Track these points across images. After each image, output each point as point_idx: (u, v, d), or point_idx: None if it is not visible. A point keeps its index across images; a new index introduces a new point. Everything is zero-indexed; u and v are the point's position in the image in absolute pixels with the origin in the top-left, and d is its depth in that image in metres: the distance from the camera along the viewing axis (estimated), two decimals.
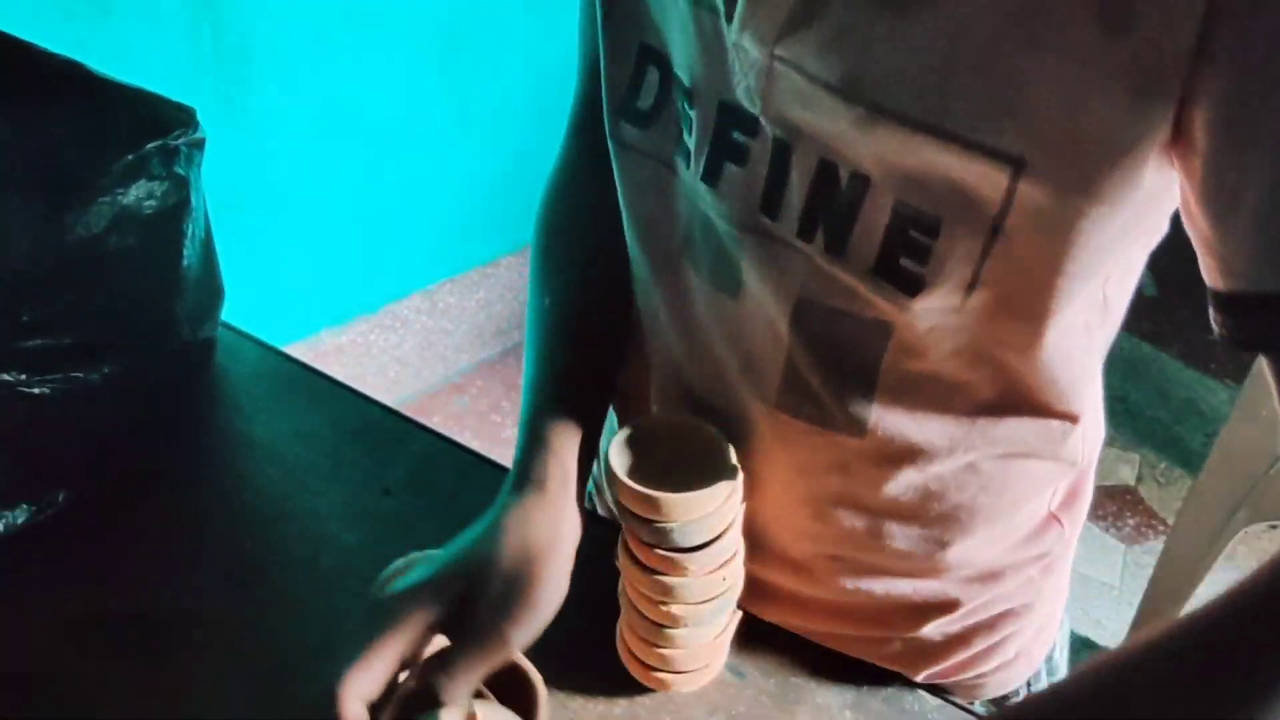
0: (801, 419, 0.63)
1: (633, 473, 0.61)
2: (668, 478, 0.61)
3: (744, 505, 0.65)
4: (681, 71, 0.60)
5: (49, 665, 0.69)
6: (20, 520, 0.75)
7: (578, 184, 0.78)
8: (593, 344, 0.72)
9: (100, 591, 0.74)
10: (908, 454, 0.62)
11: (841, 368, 0.60)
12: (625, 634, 0.69)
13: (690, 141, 0.60)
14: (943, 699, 0.73)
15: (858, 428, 0.61)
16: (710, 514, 0.61)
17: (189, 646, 0.71)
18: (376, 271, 2.25)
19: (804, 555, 0.70)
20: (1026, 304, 0.55)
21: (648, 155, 0.65)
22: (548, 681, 0.68)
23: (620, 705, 0.70)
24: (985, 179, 0.49)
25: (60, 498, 0.77)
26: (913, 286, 0.54)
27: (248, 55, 1.79)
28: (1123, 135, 0.47)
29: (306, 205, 2.02)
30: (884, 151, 0.51)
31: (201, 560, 0.77)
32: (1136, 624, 1.83)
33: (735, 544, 0.64)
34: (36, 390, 0.71)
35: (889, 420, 0.61)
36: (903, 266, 0.54)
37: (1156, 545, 1.80)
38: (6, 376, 0.70)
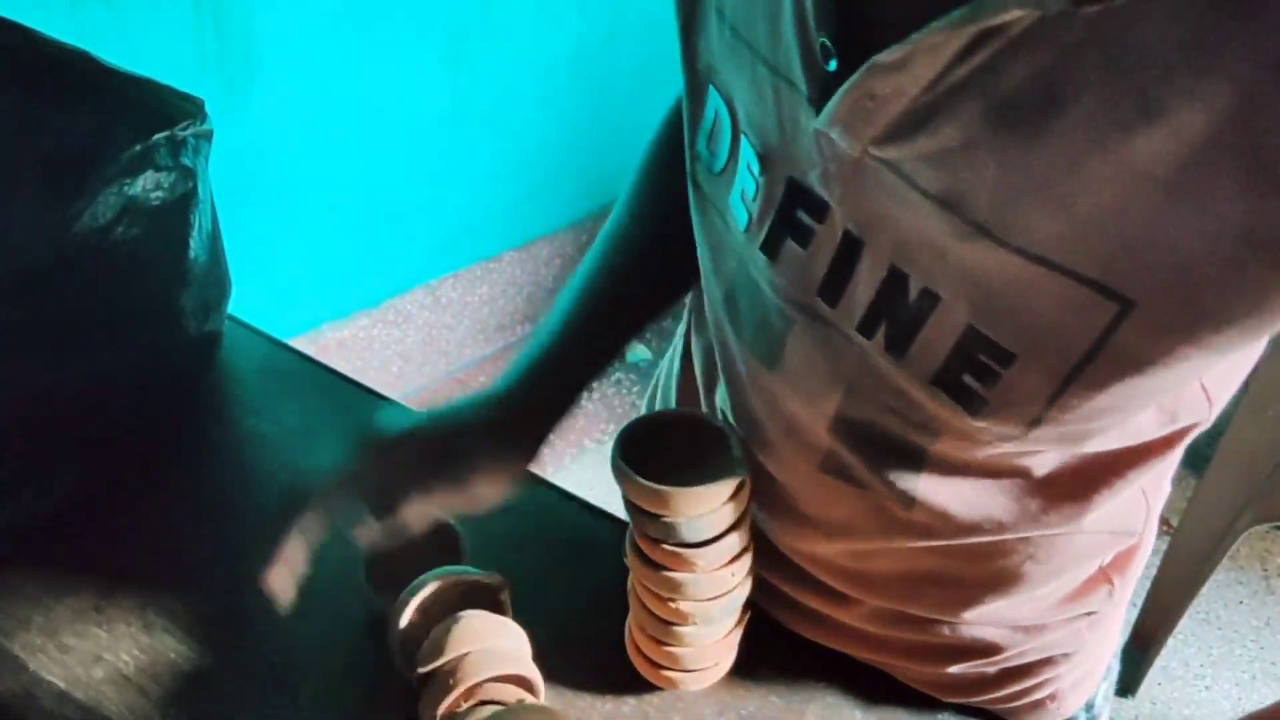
0: (848, 484, 0.61)
1: (640, 468, 0.61)
2: (675, 473, 0.60)
3: (752, 501, 0.64)
4: (749, 132, 0.56)
5: (49, 660, 0.69)
6: (27, 511, 0.75)
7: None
8: (654, 285, 0.75)
9: (105, 583, 0.73)
10: (955, 529, 0.60)
11: (888, 451, 0.58)
12: (634, 632, 0.69)
13: (752, 205, 0.57)
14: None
15: (904, 501, 0.60)
16: (717, 509, 0.60)
17: (192, 637, 0.71)
18: (378, 266, 2.24)
19: (843, 591, 0.70)
20: (1098, 430, 0.51)
21: (710, 201, 0.63)
22: (557, 680, 0.68)
23: (629, 704, 0.70)
24: (1083, 315, 0.44)
25: (67, 489, 0.77)
26: (974, 405, 0.50)
27: (252, 48, 1.78)
28: (1261, 303, 0.42)
29: (308, 199, 2.01)
30: (973, 270, 0.46)
31: (206, 553, 0.76)
32: (1139, 623, 1.83)
33: (744, 540, 0.64)
34: (43, 382, 0.71)
35: (938, 499, 0.59)
36: (966, 384, 0.50)
37: (1161, 545, 1.80)
38: (13, 368, 0.69)
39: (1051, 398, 0.48)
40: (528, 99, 2.30)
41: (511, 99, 2.27)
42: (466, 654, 0.62)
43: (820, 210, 0.52)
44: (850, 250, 0.51)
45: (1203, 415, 0.54)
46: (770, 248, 0.56)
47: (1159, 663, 1.90)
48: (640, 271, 0.75)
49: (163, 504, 0.80)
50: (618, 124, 2.42)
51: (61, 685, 0.67)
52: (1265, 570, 2.22)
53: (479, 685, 0.62)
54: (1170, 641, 1.87)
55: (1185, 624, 1.88)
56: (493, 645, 0.64)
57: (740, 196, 0.58)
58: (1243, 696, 1.96)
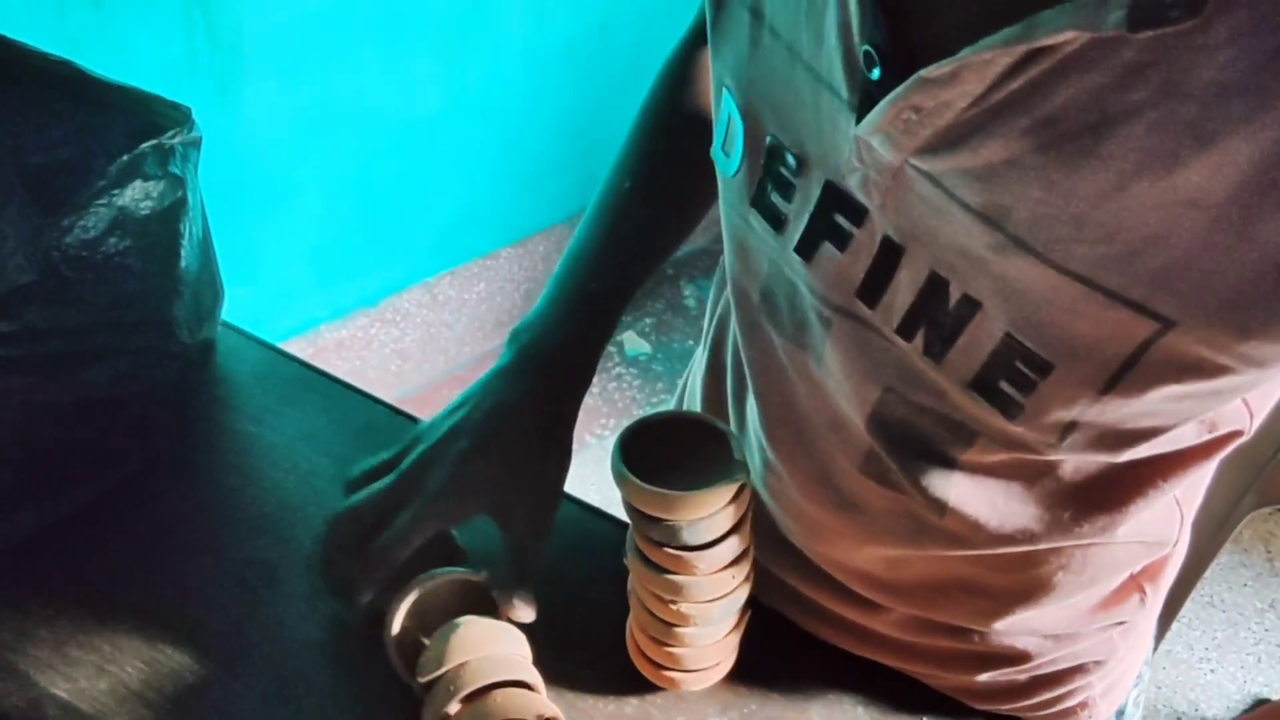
0: (885, 486, 0.61)
1: (640, 470, 0.60)
2: (676, 474, 0.60)
3: (752, 502, 0.64)
4: (784, 136, 0.55)
5: (54, 673, 0.68)
6: (27, 527, 0.74)
7: (690, 85, 0.78)
8: (660, 241, 0.77)
9: (107, 594, 0.73)
10: (988, 538, 0.60)
11: (923, 454, 0.58)
12: (635, 633, 0.69)
13: (785, 206, 0.57)
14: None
15: (937, 508, 0.60)
16: (718, 511, 0.60)
17: (195, 647, 0.71)
18: (375, 265, 2.24)
19: (869, 597, 0.70)
20: (1134, 439, 0.51)
21: (730, 203, 0.63)
22: (558, 681, 0.68)
23: (631, 704, 0.69)
24: (1122, 331, 0.44)
25: (66, 504, 0.76)
26: (1010, 411, 0.50)
27: (243, 48, 1.78)
28: None
29: (303, 200, 2.01)
30: (1011, 283, 0.46)
31: (208, 562, 0.76)
32: None
33: (744, 541, 0.63)
34: (39, 397, 0.70)
35: (970, 506, 0.59)
36: (1002, 389, 0.50)
37: None
38: (8, 384, 0.69)
39: (1087, 407, 0.48)
40: (520, 94, 2.29)
41: (504, 94, 2.27)
42: (465, 662, 0.62)
43: (859, 215, 0.52)
44: (890, 256, 0.51)
45: (1243, 424, 0.54)
46: (806, 250, 0.55)
47: (1164, 646, 1.91)
48: (650, 191, 0.78)
49: (163, 515, 0.79)
50: (611, 118, 2.42)
51: (67, 698, 0.67)
52: (1269, 553, 2.22)
53: (480, 692, 0.62)
54: (1175, 625, 1.87)
55: (1190, 607, 1.88)
56: (492, 652, 0.64)
57: (769, 200, 0.57)
58: (1248, 679, 1.97)
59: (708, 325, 0.81)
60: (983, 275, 0.47)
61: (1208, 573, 1.75)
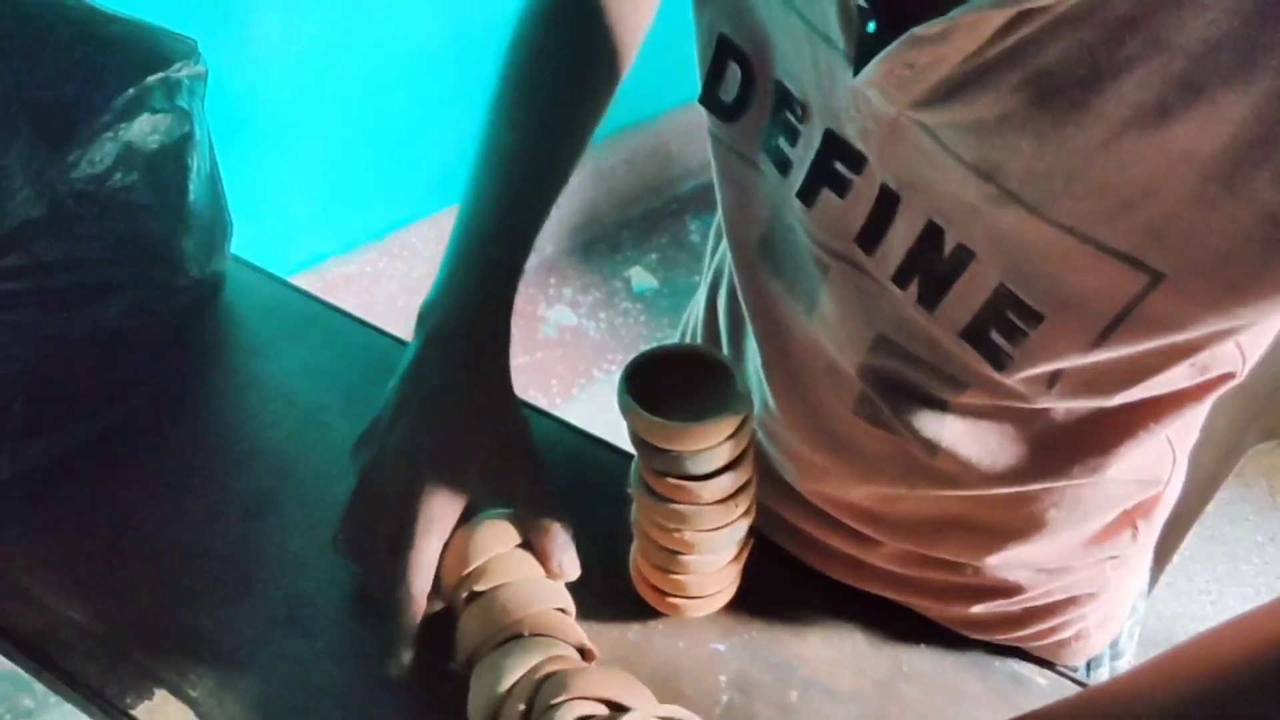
0: (878, 427, 0.62)
1: (646, 402, 0.61)
2: (680, 406, 0.61)
3: (756, 433, 0.65)
4: (789, 81, 0.55)
5: (68, 597, 0.70)
6: (39, 456, 0.76)
7: (551, 27, 0.77)
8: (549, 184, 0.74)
9: (117, 522, 0.75)
10: (980, 478, 0.61)
11: (915, 398, 0.59)
12: (639, 561, 0.70)
13: (790, 151, 0.57)
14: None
15: (930, 449, 0.60)
16: (722, 442, 0.61)
17: (204, 573, 0.72)
18: (383, 199, 2.23)
19: (864, 532, 0.71)
20: (1124, 383, 0.52)
21: (729, 149, 0.62)
22: None
23: (635, 630, 0.71)
24: (1113, 284, 0.45)
25: (77, 434, 0.78)
26: (999, 360, 0.51)
27: None
28: None
29: (311, 135, 2.00)
30: (1005, 234, 0.47)
31: (216, 495, 0.77)
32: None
33: (747, 472, 0.64)
34: (49, 331, 0.71)
35: (962, 447, 0.60)
36: (993, 340, 0.51)
37: None
38: (19, 318, 0.70)
39: (1077, 357, 0.49)
40: None
41: (510, 25, 2.24)
42: (511, 583, 0.64)
43: (858, 163, 0.52)
44: (887, 204, 0.52)
45: (1235, 367, 0.54)
46: (807, 195, 0.56)
47: (1165, 579, 1.93)
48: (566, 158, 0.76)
49: (172, 447, 0.80)
50: None
51: (81, 621, 0.69)
52: (1271, 487, 2.24)
53: (525, 617, 0.62)
54: (1176, 558, 1.89)
55: (1191, 541, 1.89)
56: (536, 575, 0.65)
57: (776, 143, 0.57)
58: None
59: (708, 265, 0.81)
60: (977, 226, 0.48)
61: (1209, 507, 1.76)
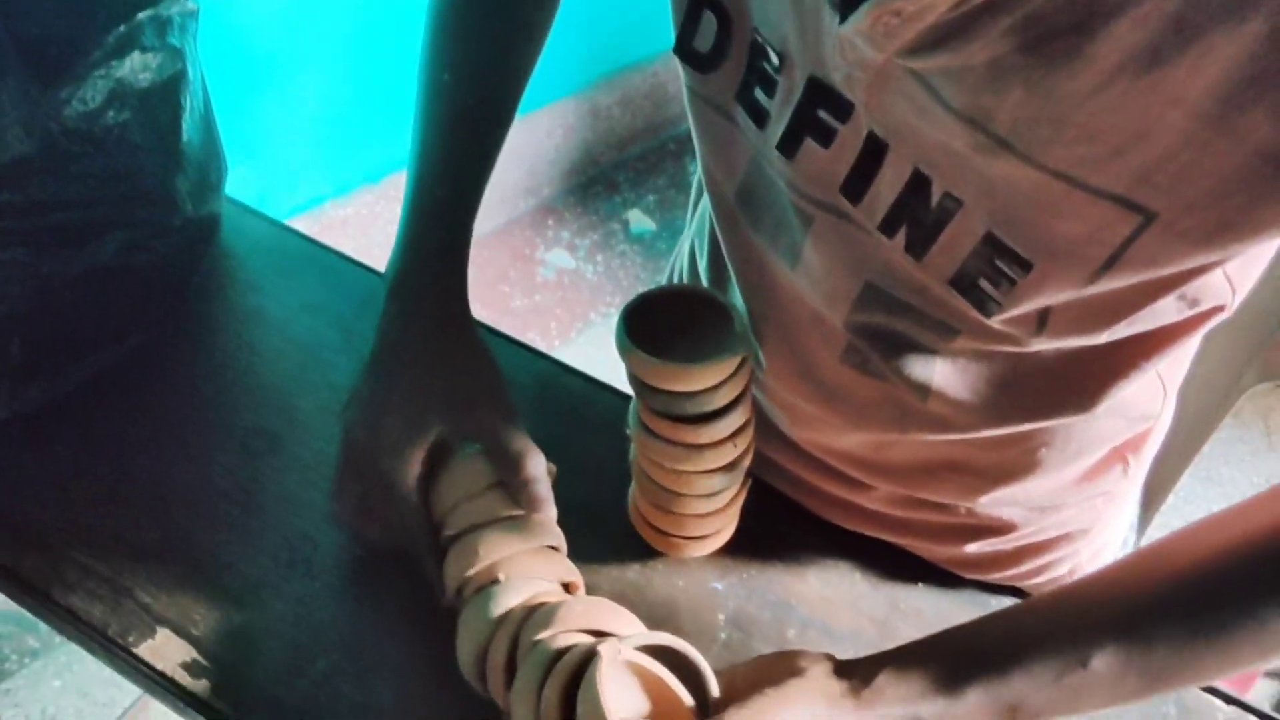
0: (867, 375, 0.62)
1: (644, 343, 0.61)
2: (679, 347, 0.61)
3: (754, 375, 0.65)
4: (766, 30, 0.54)
5: (70, 537, 0.70)
6: (38, 400, 0.76)
7: None
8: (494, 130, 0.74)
9: (120, 466, 0.75)
10: (971, 421, 0.61)
11: (904, 346, 0.59)
12: (638, 501, 0.70)
13: (767, 103, 0.56)
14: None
15: (920, 393, 0.60)
16: (721, 383, 0.61)
17: (206, 511, 0.73)
18: (378, 141, 2.21)
19: (856, 477, 0.71)
20: (1112, 319, 0.52)
21: (705, 100, 0.61)
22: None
23: (634, 569, 0.71)
24: (1104, 227, 0.45)
25: (74, 374, 0.77)
26: (987, 307, 0.51)
27: None
28: None
29: (306, 76, 1.98)
30: (994, 182, 0.47)
31: (216, 432, 0.78)
32: (1143, 489, 1.85)
33: (746, 413, 0.65)
34: (44, 269, 0.71)
35: (952, 390, 0.60)
36: (981, 287, 0.51)
37: None
38: (14, 257, 0.69)
39: (1066, 301, 0.49)
40: None
41: None
42: (483, 526, 0.63)
43: (844, 111, 0.51)
44: (874, 152, 0.51)
45: (1225, 300, 0.54)
46: (788, 146, 0.55)
47: (1159, 520, 1.94)
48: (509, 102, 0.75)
49: (170, 386, 0.81)
50: None
51: (85, 560, 0.69)
52: (1267, 427, 2.25)
53: (500, 561, 0.62)
54: (1171, 499, 1.90)
55: (1186, 481, 1.90)
56: (512, 514, 0.65)
57: (752, 95, 0.57)
58: None
59: (690, 216, 0.81)
60: (965, 174, 0.47)
61: (1205, 448, 1.77)
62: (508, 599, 0.60)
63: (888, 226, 0.52)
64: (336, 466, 0.68)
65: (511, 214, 2.61)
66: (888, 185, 0.51)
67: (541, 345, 2.18)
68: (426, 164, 0.71)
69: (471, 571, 0.62)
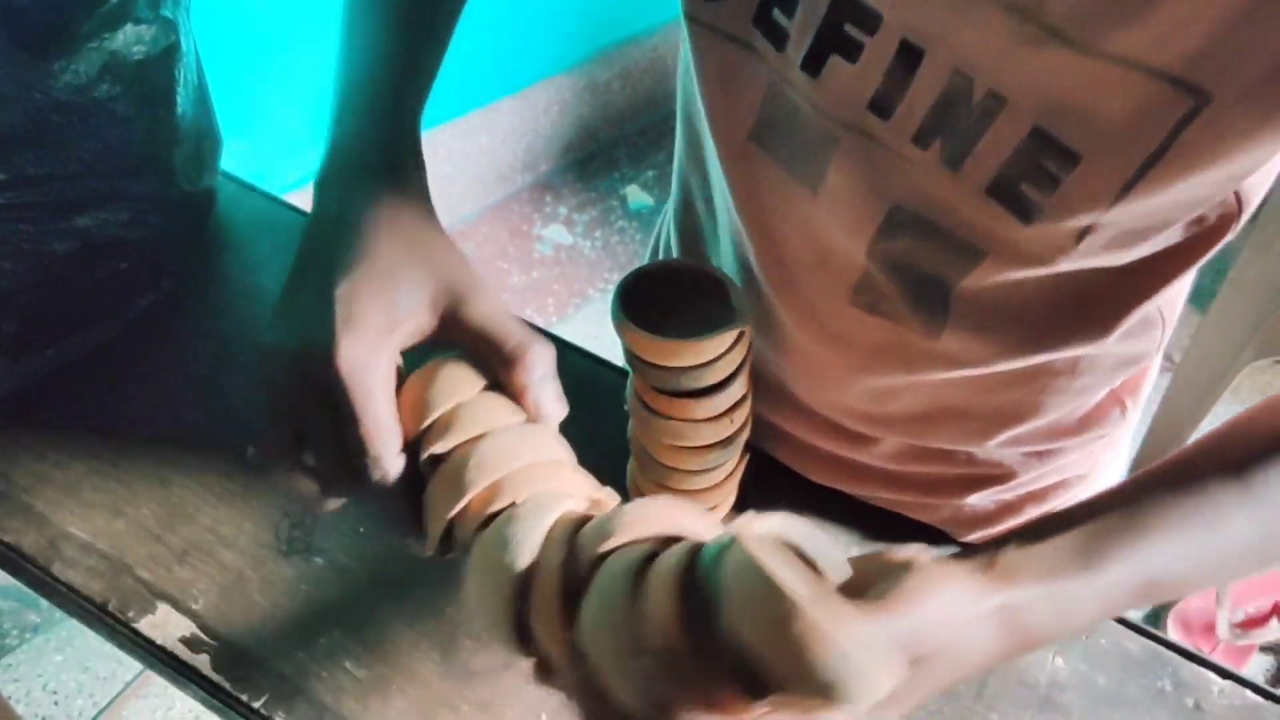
0: (875, 315, 0.61)
1: (641, 318, 0.61)
2: (675, 322, 0.61)
3: (752, 349, 0.65)
4: None
5: (69, 513, 0.70)
6: (36, 374, 0.76)
7: None
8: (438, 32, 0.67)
9: (119, 441, 0.75)
10: (978, 358, 0.61)
11: (921, 278, 0.58)
12: (636, 476, 0.70)
13: (786, 23, 0.54)
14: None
15: (932, 332, 0.60)
16: (718, 358, 0.61)
17: (205, 487, 0.73)
18: None
19: (858, 430, 0.71)
20: (1141, 236, 0.51)
21: (718, 32, 0.59)
22: None
23: None
24: (1155, 113, 0.43)
25: (71, 349, 0.77)
26: (1027, 214, 0.49)
27: None
28: None
29: (300, 49, 1.97)
30: (1043, 76, 0.45)
31: (214, 407, 0.78)
32: (1140, 459, 1.86)
33: (743, 387, 0.64)
34: (41, 244, 0.71)
35: (966, 325, 0.59)
36: (1022, 191, 0.48)
37: (1164, 380, 1.81)
38: (6, 232, 0.69)
39: (1110, 203, 0.47)
40: None
41: None
42: (482, 436, 0.51)
43: (871, 22, 0.49)
44: (908, 60, 0.49)
45: (1230, 219, 0.53)
46: (812, 65, 0.53)
47: None
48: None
49: (167, 361, 0.80)
50: None
51: (84, 536, 0.69)
52: None
53: (509, 475, 0.49)
54: None
55: None
56: (515, 421, 0.53)
57: (770, 15, 0.55)
58: None
59: (676, 176, 0.80)
60: (1010, 69, 0.46)
61: (1205, 423, 1.78)
62: (540, 521, 0.46)
63: (922, 138, 0.51)
64: (268, 406, 0.53)
65: (509, 190, 2.60)
66: (923, 94, 0.49)
67: (540, 322, 2.18)
68: (360, 55, 0.63)
69: (474, 493, 0.48)
